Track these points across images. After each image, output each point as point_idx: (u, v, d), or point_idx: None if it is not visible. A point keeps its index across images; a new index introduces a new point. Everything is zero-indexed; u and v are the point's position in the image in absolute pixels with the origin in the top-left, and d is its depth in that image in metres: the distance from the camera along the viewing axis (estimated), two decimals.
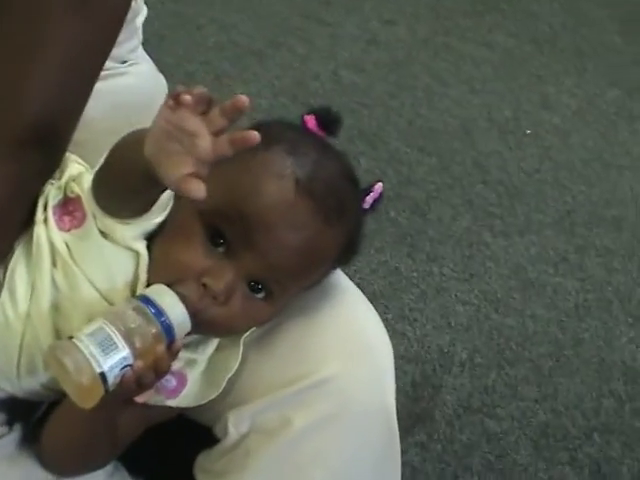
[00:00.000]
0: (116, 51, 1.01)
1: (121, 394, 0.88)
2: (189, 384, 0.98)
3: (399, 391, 1.02)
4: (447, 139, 2.27)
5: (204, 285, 0.89)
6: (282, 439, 0.98)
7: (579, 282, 1.97)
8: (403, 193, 2.09)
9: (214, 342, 0.99)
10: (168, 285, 0.90)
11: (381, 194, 1.02)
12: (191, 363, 0.98)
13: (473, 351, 1.79)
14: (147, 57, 1.30)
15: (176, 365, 0.94)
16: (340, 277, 1.06)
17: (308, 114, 1.00)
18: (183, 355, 0.95)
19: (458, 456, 1.62)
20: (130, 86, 1.22)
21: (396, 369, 1.03)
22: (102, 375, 0.84)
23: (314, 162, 0.93)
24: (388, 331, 1.05)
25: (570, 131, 2.38)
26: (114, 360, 0.84)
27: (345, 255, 0.99)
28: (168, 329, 0.88)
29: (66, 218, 0.96)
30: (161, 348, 0.87)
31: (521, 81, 2.54)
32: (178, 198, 0.95)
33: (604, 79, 2.61)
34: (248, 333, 0.99)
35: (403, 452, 1.04)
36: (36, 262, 0.95)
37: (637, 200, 2.21)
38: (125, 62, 1.23)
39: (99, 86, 0.98)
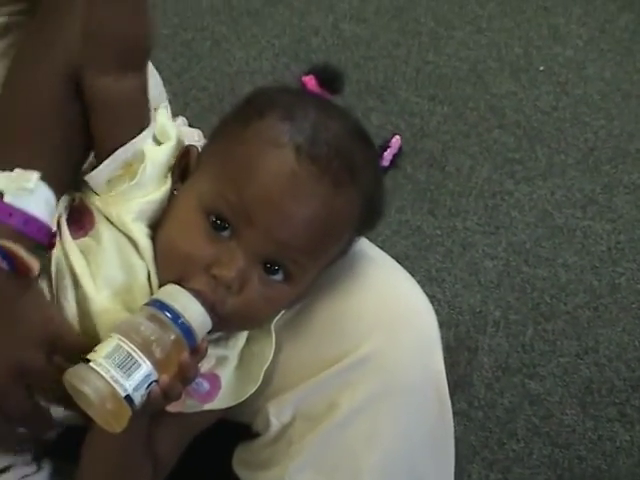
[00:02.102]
0: None
1: (149, 409, 0.83)
2: (224, 384, 0.93)
3: None
4: (458, 84, 2.19)
5: (214, 277, 0.83)
6: (329, 424, 0.93)
7: (610, 224, 1.89)
8: (418, 146, 2.01)
9: (244, 334, 0.93)
10: (178, 282, 0.84)
11: (400, 148, 0.96)
12: (222, 361, 0.92)
13: (507, 308, 1.73)
14: None
15: (206, 366, 0.89)
16: (365, 244, 0.99)
17: (306, 74, 0.93)
18: (213, 353, 0.90)
19: (501, 422, 1.57)
20: None
21: None
22: (127, 397, 0.79)
23: (314, 124, 0.86)
24: None
25: (584, 63, 2.28)
26: (138, 380, 0.79)
27: (368, 220, 0.92)
28: (188, 332, 0.82)
29: (79, 225, 0.91)
30: (184, 355, 0.82)
31: (528, 15, 2.42)
32: (175, 184, 0.90)
33: (614, 3, 2.49)
34: (278, 317, 0.93)
35: None
36: (58, 286, 0.89)
37: None
38: None
39: None
